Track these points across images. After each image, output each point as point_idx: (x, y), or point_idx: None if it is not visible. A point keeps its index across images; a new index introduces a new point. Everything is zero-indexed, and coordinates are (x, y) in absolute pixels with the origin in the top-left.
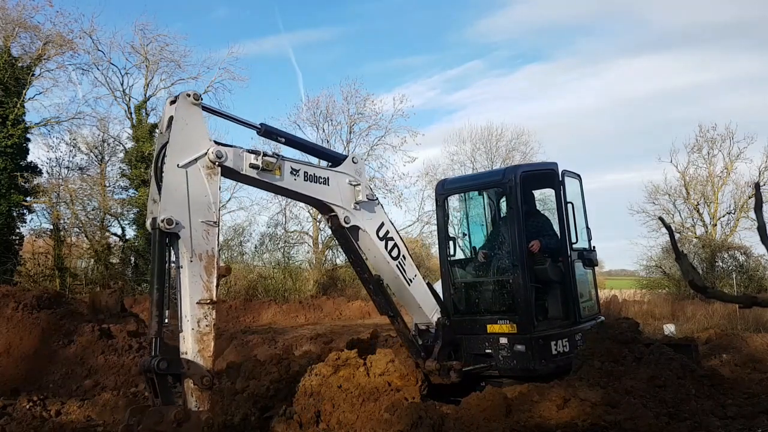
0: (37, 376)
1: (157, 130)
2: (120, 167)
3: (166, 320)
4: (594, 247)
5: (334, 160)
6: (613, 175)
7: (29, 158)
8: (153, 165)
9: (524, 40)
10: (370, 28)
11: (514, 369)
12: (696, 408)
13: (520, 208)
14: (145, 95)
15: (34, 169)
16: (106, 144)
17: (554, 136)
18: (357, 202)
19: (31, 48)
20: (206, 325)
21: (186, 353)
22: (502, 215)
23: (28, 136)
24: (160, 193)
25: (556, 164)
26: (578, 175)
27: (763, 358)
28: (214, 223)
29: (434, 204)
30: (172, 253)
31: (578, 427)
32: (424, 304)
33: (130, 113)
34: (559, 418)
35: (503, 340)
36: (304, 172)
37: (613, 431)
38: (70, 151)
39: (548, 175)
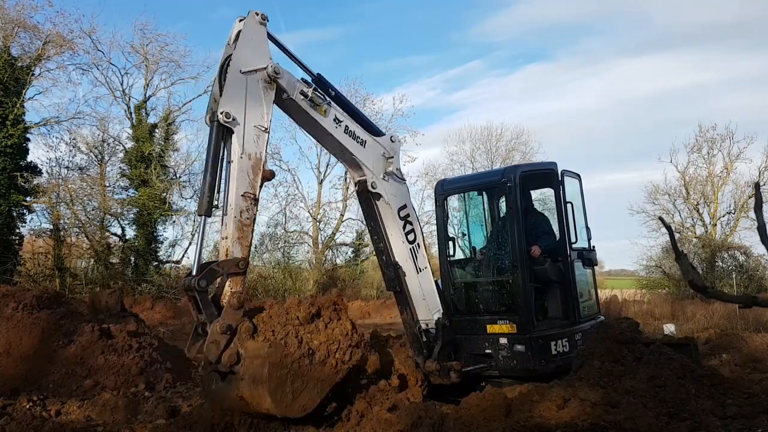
0: (37, 376)
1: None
2: (120, 167)
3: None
4: (594, 246)
5: (375, 132)
6: (613, 175)
7: (29, 158)
8: (218, 71)
9: (525, 40)
10: (371, 27)
11: (514, 369)
12: (696, 408)
13: (520, 207)
14: (144, 95)
15: (34, 169)
16: (106, 144)
17: (554, 136)
18: (386, 173)
19: (30, 48)
20: (247, 217)
21: (226, 238)
22: (501, 215)
23: (28, 136)
24: (221, 94)
25: (555, 164)
26: (578, 175)
27: (763, 358)
28: (265, 129)
29: (434, 204)
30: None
31: (578, 427)
32: (428, 297)
33: (130, 113)
34: (559, 418)
35: (503, 340)
36: (346, 126)
37: (613, 431)
38: (70, 151)
39: (548, 175)
